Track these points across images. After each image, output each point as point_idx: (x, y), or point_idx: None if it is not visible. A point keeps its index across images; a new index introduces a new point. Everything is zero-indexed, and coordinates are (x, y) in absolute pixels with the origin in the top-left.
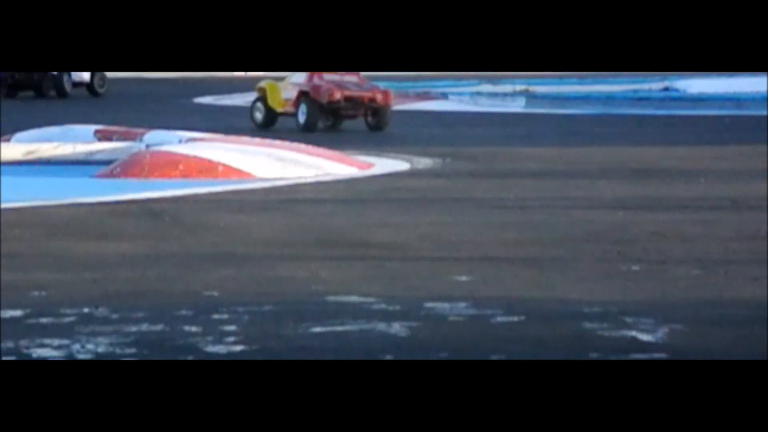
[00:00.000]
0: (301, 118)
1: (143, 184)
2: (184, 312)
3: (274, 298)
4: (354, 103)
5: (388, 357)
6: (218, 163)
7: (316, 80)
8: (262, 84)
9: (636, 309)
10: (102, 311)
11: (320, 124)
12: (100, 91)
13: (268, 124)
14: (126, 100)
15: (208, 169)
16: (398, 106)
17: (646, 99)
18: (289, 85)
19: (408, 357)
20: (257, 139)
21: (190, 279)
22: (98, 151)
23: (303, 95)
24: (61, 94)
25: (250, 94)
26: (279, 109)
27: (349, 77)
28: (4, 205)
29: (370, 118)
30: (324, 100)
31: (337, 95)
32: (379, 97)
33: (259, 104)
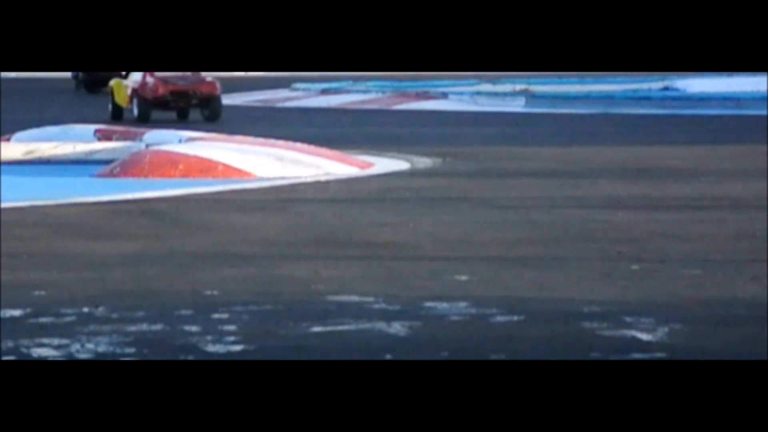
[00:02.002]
0: (135, 111)
1: (143, 183)
2: (184, 312)
3: (274, 298)
4: (181, 96)
5: (388, 357)
6: (218, 163)
7: (147, 78)
8: (111, 83)
9: (636, 309)
10: (102, 311)
11: (152, 116)
12: None
13: (116, 117)
14: None
15: (208, 168)
16: (398, 106)
17: (646, 99)
18: (130, 83)
19: (408, 357)
20: (258, 139)
21: (190, 279)
22: (98, 151)
23: (134, 92)
24: None
25: (248, 93)
26: (124, 105)
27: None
28: (4, 205)
29: (204, 110)
30: (149, 95)
31: (161, 90)
32: (204, 89)
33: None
